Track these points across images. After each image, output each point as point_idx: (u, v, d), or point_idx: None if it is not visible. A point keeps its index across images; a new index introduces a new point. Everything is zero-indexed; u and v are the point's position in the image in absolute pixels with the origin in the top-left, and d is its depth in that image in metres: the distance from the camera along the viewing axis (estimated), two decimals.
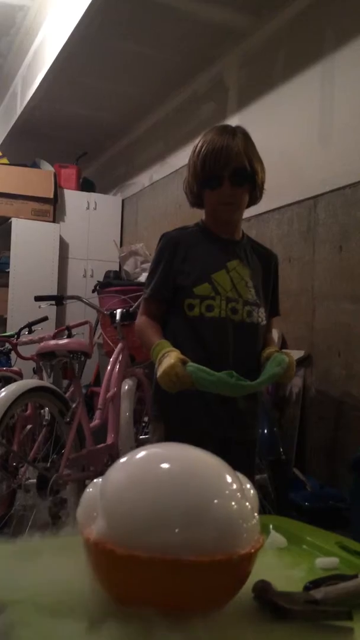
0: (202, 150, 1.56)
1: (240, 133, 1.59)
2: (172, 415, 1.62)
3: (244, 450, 1.62)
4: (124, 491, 0.73)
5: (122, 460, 0.78)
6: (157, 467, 0.75)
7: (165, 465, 0.75)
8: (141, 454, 0.78)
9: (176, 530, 0.68)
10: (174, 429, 1.60)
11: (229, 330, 1.58)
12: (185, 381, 1.44)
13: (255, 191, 1.63)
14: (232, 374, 1.45)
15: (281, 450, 2.41)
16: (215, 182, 1.56)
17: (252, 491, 0.78)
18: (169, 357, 1.45)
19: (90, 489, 0.78)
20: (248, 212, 3.73)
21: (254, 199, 1.65)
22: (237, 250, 1.66)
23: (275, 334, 3.31)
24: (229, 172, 1.54)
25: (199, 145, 1.58)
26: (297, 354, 3.23)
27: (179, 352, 1.48)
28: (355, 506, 2.29)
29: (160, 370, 1.46)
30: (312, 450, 3.12)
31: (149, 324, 1.61)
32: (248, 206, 1.67)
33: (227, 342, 1.58)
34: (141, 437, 3.03)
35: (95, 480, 0.79)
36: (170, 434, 1.59)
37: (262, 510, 0.73)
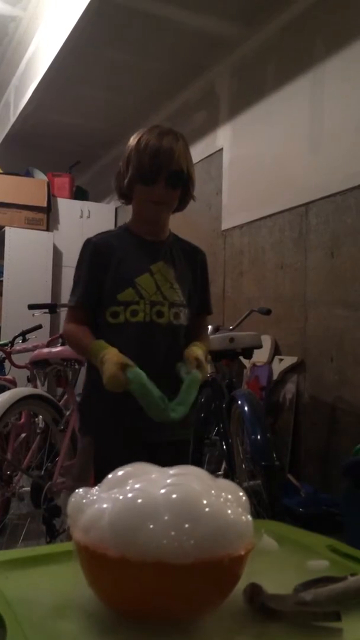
0: (146, 145, 1.55)
1: (181, 138, 1.61)
2: (101, 424, 1.58)
3: (174, 449, 1.57)
4: (114, 494, 0.73)
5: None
6: (144, 474, 0.76)
7: (153, 474, 0.76)
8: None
9: (167, 533, 0.68)
10: (103, 438, 1.56)
11: (154, 334, 1.56)
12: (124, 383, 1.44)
13: (186, 197, 1.65)
14: (164, 399, 1.42)
15: (275, 456, 2.41)
16: (151, 179, 1.56)
17: (241, 494, 0.79)
18: (109, 361, 1.43)
19: (73, 499, 0.79)
20: (240, 220, 3.78)
21: (181, 207, 1.67)
22: (162, 251, 1.65)
23: (268, 341, 3.33)
24: (167, 172, 1.56)
25: (143, 140, 1.57)
26: (290, 360, 3.25)
27: (117, 351, 1.47)
28: (347, 511, 2.30)
29: (106, 375, 1.43)
30: (306, 456, 3.13)
31: (78, 329, 1.58)
32: (173, 212, 1.69)
33: (152, 346, 1.56)
34: None
35: (77, 490, 0.79)
36: (100, 444, 1.55)
37: (256, 516, 0.74)
